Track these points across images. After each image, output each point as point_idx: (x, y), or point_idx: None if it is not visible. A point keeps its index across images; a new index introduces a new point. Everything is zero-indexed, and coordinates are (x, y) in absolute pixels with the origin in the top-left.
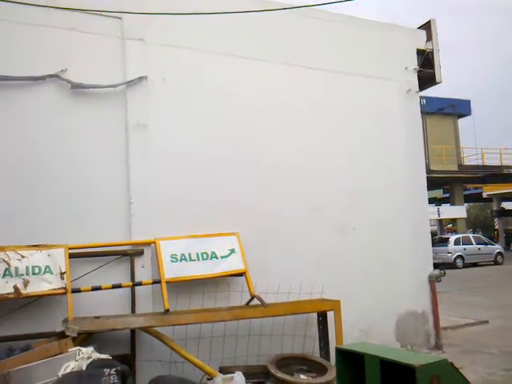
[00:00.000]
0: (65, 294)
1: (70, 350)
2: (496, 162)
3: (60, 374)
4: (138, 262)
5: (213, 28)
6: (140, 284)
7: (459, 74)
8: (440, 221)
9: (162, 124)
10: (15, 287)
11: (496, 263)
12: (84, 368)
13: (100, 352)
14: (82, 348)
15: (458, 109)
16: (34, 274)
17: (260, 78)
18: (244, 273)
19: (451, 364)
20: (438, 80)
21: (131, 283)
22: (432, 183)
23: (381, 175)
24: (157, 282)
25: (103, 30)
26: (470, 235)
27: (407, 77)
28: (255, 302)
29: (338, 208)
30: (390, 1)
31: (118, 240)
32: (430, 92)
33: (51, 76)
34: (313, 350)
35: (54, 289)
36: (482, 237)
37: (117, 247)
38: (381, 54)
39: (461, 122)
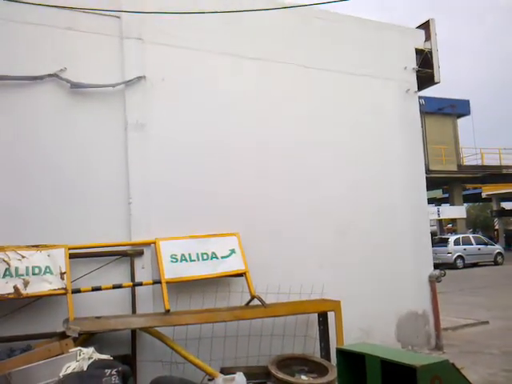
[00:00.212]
0: (65, 294)
1: (70, 350)
2: (495, 162)
3: (61, 374)
4: (138, 262)
5: (212, 27)
6: (140, 284)
7: (459, 73)
8: (440, 221)
9: (161, 123)
10: (15, 287)
11: (496, 263)
12: (85, 368)
13: (101, 352)
14: (82, 348)
15: (457, 109)
16: (34, 274)
17: (259, 77)
18: (244, 273)
19: (452, 364)
20: (436, 80)
21: (131, 283)
22: (431, 183)
23: (380, 175)
24: (157, 282)
25: (102, 29)
26: (470, 235)
27: (406, 76)
28: (255, 302)
29: (339, 208)
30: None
31: (118, 240)
32: (431, 91)
33: (50, 75)
34: (313, 350)
35: (55, 289)
36: (482, 237)
37: (117, 247)
38: (380, 53)
39: (460, 121)
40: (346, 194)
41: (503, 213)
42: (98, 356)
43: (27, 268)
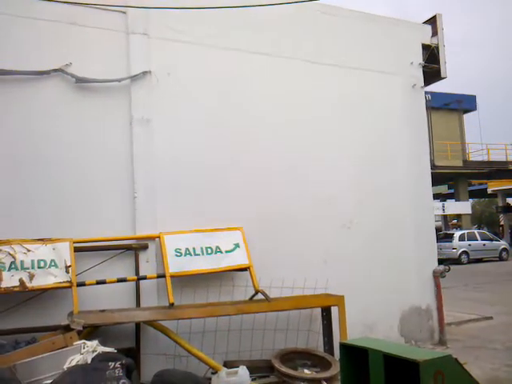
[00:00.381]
0: (70, 287)
1: (75, 343)
2: (501, 158)
3: (65, 366)
4: (142, 256)
5: (218, 22)
6: (145, 278)
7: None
8: (445, 216)
9: (166, 118)
10: (21, 280)
11: (501, 259)
12: (89, 361)
13: (105, 345)
14: (87, 341)
15: (463, 104)
16: (39, 267)
17: (264, 72)
18: (248, 267)
19: (455, 359)
20: (443, 75)
21: (136, 277)
22: (437, 179)
23: (385, 170)
24: (161, 276)
25: (108, 24)
26: (475, 231)
27: (412, 72)
28: (259, 296)
29: (343, 203)
30: None
31: (123, 234)
32: (437, 86)
33: (55, 70)
34: (317, 344)
35: (60, 282)
36: (487, 233)
37: (121, 241)
38: (386, 48)
39: (466, 117)
40: (350, 189)
41: (509, 209)
42: (102, 349)
43: (32, 261)
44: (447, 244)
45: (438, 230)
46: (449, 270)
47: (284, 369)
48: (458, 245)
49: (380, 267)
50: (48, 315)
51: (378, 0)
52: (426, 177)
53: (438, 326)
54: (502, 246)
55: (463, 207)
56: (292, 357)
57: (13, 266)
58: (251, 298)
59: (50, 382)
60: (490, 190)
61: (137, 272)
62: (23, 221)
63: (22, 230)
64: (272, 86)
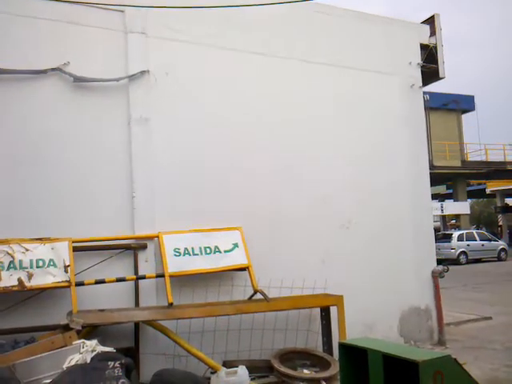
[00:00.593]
0: (69, 287)
1: (74, 342)
2: (500, 158)
3: (64, 366)
4: (141, 255)
5: (216, 22)
6: (144, 277)
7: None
8: (443, 217)
9: (164, 118)
10: (19, 280)
11: (499, 259)
12: (88, 361)
13: (104, 345)
14: (86, 341)
15: (461, 104)
16: (38, 267)
17: (262, 72)
18: (247, 267)
19: (454, 360)
20: (441, 75)
21: (135, 277)
22: (435, 179)
23: (383, 171)
24: (160, 275)
25: (105, 23)
26: (474, 231)
27: (411, 72)
28: (258, 296)
29: (341, 203)
30: None
31: (122, 234)
32: (435, 87)
33: (53, 69)
34: (316, 344)
35: (58, 282)
36: (486, 233)
37: (120, 241)
38: (384, 48)
39: (465, 117)
40: (348, 188)
41: (507, 209)
42: (101, 348)
43: (31, 261)
44: (446, 244)
45: (436, 230)
46: (447, 270)
47: (283, 369)
48: (456, 245)
49: (379, 267)
50: (47, 315)
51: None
52: (425, 177)
53: (437, 326)
54: (501, 247)
55: (462, 207)
56: (291, 357)
57: (11, 266)
58: (250, 298)
59: (49, 381)
60: (488, 191)
61: (136, 272)
62: (22, 220)
63: (21, 230)
64: (269, 86)
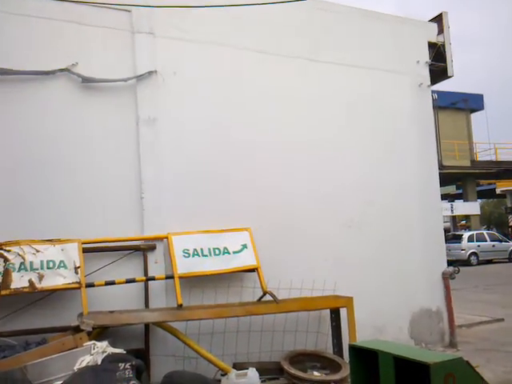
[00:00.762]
0: (79, 288)
1: (85, 344)
2: (510, 158)
3: (75, 367)
4: (150, 256)
5: (223, 21)
6: (153, 279)
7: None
8: (453, 217)
9: (172, 118)
10: (30, 281)
11: (511, 260)
12: (99, 362)
13: (114, 346)
14: (96, 342)
15: (470, 103)
16: (48, 268)
17: (270, 71)
18: (256, 268)
19: (467, 362)
20: (449, 74)
21: (144, 278)
22: (444, 179)
23: (393, 170)
24: (170, 277)
25: (113, 23)
26: (484, 232)
27: (419, 70)
28: (268, 297)
29: (351, 204)
30: None
31: (131, 235)
32: (444, 86)
33: (62, 70)
34: (326, 346)
35: (69, 283)
36: (496, 233)
37: (130, 242)
38: (392, 47)
39: (474, 116)
40: (358, 189)
41: None
42: (111, 350)
43: (42, 262)
44: (456, 245)
45: (446, 230)
46: (458, 271)
47: (293, 371)
48: (466, 246)
49: (389, 269)
50: (57, 316)
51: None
52: (434, 177)
53: (448, 328)
54: None
55: (472, 208)
56: (301, 359)
57: (22, 267)
58: (259, 300)
59: (60, 382)
60: (498, 191)
61: (145, 273)
62: (31, 222)
63: (31, 231)
64: (277, 85)
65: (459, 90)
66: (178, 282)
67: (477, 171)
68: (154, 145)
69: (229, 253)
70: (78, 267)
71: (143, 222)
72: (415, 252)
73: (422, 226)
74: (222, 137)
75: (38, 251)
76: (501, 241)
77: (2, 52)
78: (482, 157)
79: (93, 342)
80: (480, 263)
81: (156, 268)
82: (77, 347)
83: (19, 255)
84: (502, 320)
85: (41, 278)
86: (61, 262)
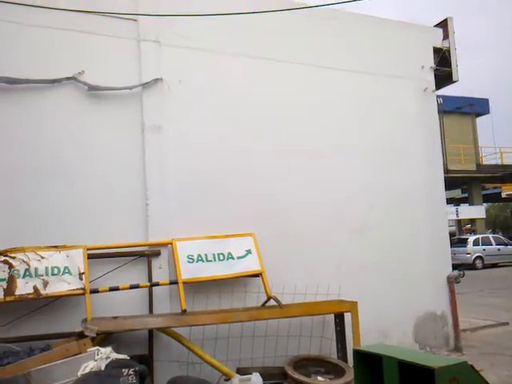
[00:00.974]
0: (83, 294)
1: (88, 349)
2: None
3: (79, 373)
4: (155, 262)
5: (228, 30)
6: (157, 284)
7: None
8: (459, 221)
9: (178, 125)
10: (35, 288)
11: None
12: (103, 368)
13: (118, 352)
14: (100, 348)
15: (475, 108)
16: (53, 274)
17: (276, 79)
18: (260, 274)
19: (471, 366)
20: (454, 78)
21: (149, 284)
22: (450, 183)
23: (398, 175)
24: (174, 282)
25: (119, 32)
26: (490, 236)
27: (424, 75)
28: (272, 302)
29: (355, 208)
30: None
31: (135, 241)
32: (449, 90)
33: (68, 78)
34: (330, 351)
35: (73, 289)
36: (502, 237)
37: (134, 248)
38: (397, 52)
39: (479, 121)
40: (363, 193)
41: None
42: (115, 356)
43: (46, 268)
44: (461, 249)
45: (451, 234)
46: (463, 275)
47: (297, 376)
48: (472, 250)
49: (393, 273)
50: (61, 322)
51: (387, 3)
52: (439, 181)
53: (453, 332)
54: None
55: (477, 212)
56: (305, 364)
57: (27, 274)
58: (263, 305)
59: None
60: (504, 194)
61: (149, 278)
62: (36, 228)
63: (36, 238)
64: (283, 92)
65: (465, 95)
66: (182, 288)
67: (482, 175)
68: (160, 152)
69: (233, 258)
70: (83, 273)
71: (148, 228)
72: (420, 256)
73: (428, 230)
74: (228, 144)
75: (42, 258)
76: (506, 244)
77: (10, 62)
78: (487, 161)
79: (96, 347)
80: (485, 267)
81: (160, 274)
82: (81, 353)
83: (24, 262)
84: (507, 324)
85: (45, 284)
86: (65, 268)
